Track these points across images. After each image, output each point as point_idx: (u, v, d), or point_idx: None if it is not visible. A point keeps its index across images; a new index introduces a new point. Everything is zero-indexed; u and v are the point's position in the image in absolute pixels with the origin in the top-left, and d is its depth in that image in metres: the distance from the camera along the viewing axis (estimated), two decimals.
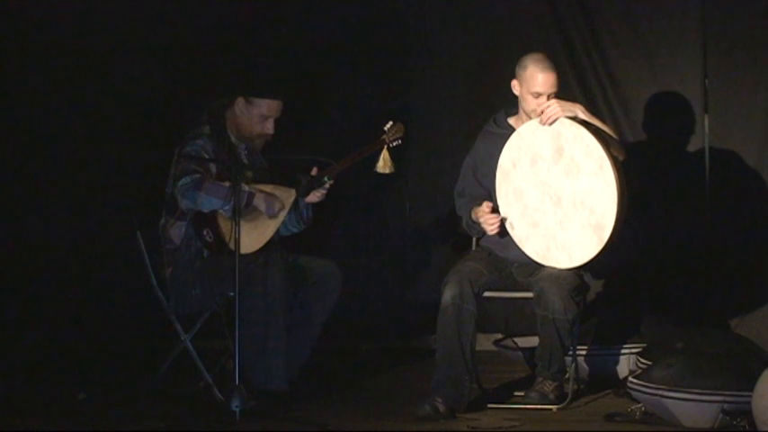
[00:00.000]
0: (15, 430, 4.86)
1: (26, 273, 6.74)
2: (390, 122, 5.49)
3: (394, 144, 5.47)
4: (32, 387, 5.70)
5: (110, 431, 4.88)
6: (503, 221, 5.17)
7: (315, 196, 5.42)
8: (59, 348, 6.51)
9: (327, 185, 5.39)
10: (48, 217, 6.77)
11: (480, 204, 5.20)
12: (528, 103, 5.16)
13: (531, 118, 5.16)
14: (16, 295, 6.70)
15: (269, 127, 5.42)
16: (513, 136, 5.19)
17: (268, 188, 5.36)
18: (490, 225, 5.16)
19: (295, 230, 5.54)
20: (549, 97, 5.11)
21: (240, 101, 5.40)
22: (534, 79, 5.13)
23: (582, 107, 5.11)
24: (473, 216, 5.25)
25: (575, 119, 5.05)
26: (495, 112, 5.39)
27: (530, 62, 5.16)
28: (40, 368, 6.18)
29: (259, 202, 5.26)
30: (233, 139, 5.44)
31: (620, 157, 5.04)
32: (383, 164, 5.48)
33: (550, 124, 5.05)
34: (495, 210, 5.18)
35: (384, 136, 5.47)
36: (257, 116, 5.40)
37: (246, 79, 5.78)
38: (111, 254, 6.61)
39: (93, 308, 6.69)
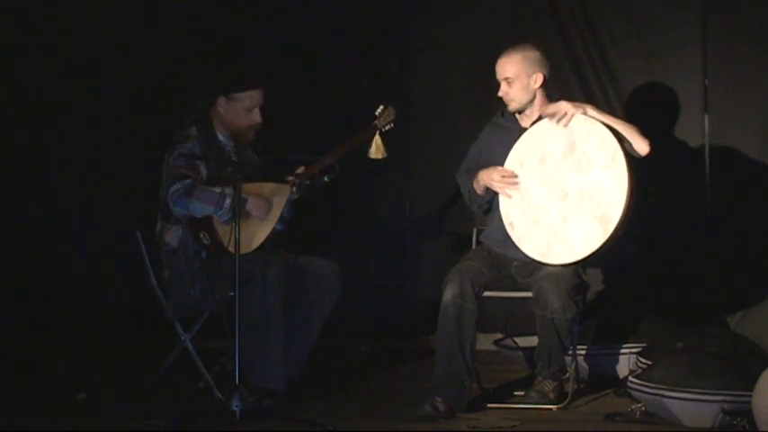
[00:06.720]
0: (15, 430, 4.86)
1: (26, 273, 6.75)
2: (381, 107, 5.45)
3: (386, 128, 5.44)
4: (32, 387, 5.70)
5: (110, 431, 4.88)
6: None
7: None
8: (59, 348, 6.51)
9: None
10: (47, 217, 6.77)
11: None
12: None
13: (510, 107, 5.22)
14: (16, 295, 6.70)
15: (256, 117, 5.40)
16: (525, 136, 5.19)
17: (261, 186, 5.33)
18: (500, 181, 5.15)
19: (277, 228, 5.48)
20: (509, 83, 5.15)
21: (221, 100, 5.38)
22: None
23: (592, 107, 5.12)
24: (474, 184, 5.24)
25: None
26: (493, 113, 5.40)
27: None
28: (40, 368, 6.18)
29: (251, 207, 5.24)
30: (221, 137, 5.43)
31: (646, 148, 5.02)
32: (376, 149, 5.44)
33: (566, 123, 5.07)
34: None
35: (376, 121, 5.44)
36: (242, 110, 5.38)
37: (222, 77, 5.74)
38: (111, 254, 6.61)
39: (94, 308, 6.69)
